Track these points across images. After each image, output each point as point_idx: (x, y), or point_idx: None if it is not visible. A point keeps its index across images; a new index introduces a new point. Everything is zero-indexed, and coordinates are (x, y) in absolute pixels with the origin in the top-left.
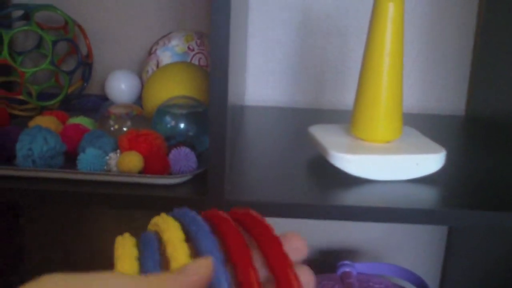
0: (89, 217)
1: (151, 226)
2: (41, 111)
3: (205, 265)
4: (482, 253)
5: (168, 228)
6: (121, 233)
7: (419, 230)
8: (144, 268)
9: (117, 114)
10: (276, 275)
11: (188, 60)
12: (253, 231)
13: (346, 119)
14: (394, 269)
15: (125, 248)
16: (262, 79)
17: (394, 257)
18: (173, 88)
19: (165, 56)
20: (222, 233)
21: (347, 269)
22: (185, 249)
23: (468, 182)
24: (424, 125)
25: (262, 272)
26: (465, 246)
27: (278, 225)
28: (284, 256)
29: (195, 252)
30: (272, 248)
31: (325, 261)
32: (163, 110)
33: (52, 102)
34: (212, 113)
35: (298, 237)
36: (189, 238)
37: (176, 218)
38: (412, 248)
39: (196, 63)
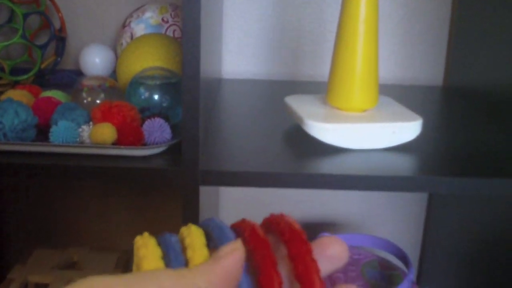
0: (68, 189)
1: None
2: (14, 86)
3: (237, 247)
4: (461, 223)
5: (190, 233)
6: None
7: (398, 201)
8: (170, 267)
9: (90, 86)
10: (300, 283)
11: (163, 32)
12: (282, 237)
13: (323, 91)
14: (374, 240)
15: (149, 248)
16: (239, 52)
17: (374, 228)
18: (147, 59)
19: (139, 29)
20: (247, 238)
21: None
22: (205, 253)
23: (446, 150)
24: (402, 96)
25: (288, 280)
26: (444, 216)
27: (256, 197)
28: (310, 264)
29: None
30: (299, 255)
31: None
32: (137, 81)
33: (25, 76)
34: (185, 84)
35: (337, 242)
36: (212, 245)
37: (201, 226)
38: (391, 219)
39: (171, 35)
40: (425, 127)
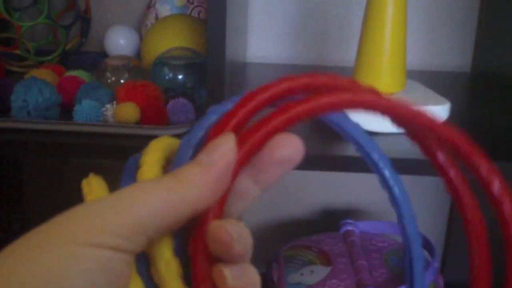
0: (91, 169)
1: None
2: (38, 67)
3: (226, 141)
4: (487, 210)
5: (148, 151)
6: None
7: (423, 188)
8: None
9: (114, 65)
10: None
11: (188, 13)
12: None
13: (349, 75)
14: (397, 227)
15: (92, 183)
16: (264, 36)
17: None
18: (172, 40)
19: (164, 10)
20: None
21: (350, 228)
22: (154, 169)
23: (473, 134)
24: (429, 81)
25: None
26: None
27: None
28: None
29: None
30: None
31: (328, 220)
32: (161, 61)
33: (50, 57)
34: (210, 66)
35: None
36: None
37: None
38: (416, 207)
39: (196, 16)
40: (452, 111)
